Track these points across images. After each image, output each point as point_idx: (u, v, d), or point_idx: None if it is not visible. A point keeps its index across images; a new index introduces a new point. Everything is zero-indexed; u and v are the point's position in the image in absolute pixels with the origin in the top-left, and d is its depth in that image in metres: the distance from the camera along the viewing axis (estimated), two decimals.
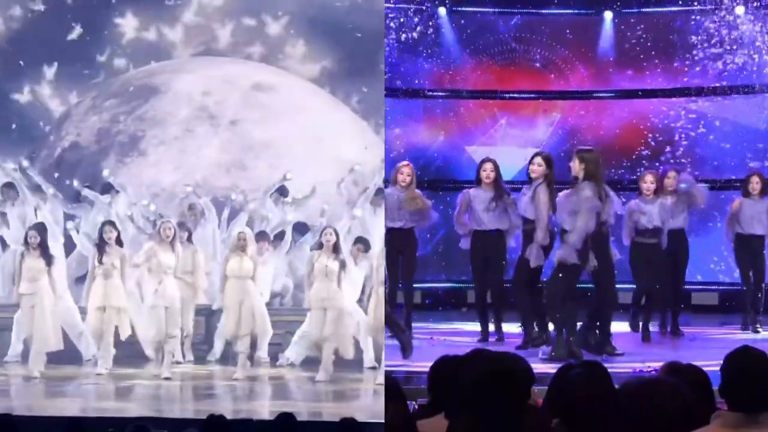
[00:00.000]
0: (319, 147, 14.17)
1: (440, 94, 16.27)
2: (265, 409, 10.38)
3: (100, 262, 11.65)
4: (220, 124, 14.20)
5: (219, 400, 10.88)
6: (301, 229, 13.01)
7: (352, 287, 11.65)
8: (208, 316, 12.43)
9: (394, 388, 5.08)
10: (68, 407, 10.71)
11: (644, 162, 15.34)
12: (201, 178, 13.61)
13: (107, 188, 13.14)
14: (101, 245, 11.72)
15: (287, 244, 12.83)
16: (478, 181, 12.21)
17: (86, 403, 10.88)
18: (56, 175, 13.74)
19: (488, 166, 12.13)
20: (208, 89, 14.47)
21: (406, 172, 12.43)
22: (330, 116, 14.61)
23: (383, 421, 4.94)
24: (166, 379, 11.27)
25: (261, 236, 12.48)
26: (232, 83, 14.58)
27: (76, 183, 13.32)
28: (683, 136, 15.59)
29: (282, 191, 13.27)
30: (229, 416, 8.83)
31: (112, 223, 11.95)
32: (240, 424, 9.14)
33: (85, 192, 13.12)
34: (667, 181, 12.64)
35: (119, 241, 11.81)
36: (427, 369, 5.44)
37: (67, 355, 11.83)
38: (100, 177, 13.52)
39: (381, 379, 10.52)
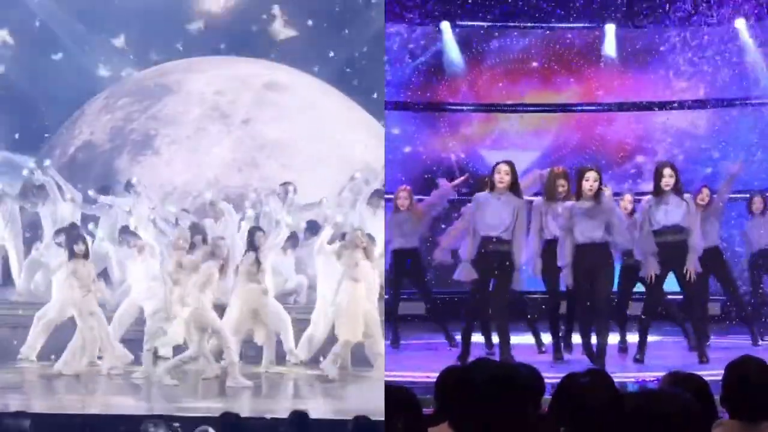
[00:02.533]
0: (331, 146, 14.23)
1: (444, 106, 16.30)
2: (279, 406, 10.42)
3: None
4: (233, 123, 14.27)
5: (233, 398, 10.92)
6: (312, 227, 12.88)
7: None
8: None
9: (409, 398, 5.08)
10: (82, 404, 10.76)
11: (640, 173, 15.57)
12: (213, 177, 13.67)
13: (126, 187, 13.07)
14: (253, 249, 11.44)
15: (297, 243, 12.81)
16: (491, 186, 11.06)
17: (100, 400, 10.93)
18: (69, 173, 13.82)
19: (503, 168, 10.96)
20: (220, 88, 14.55)
21: (403, 196, 12.63)
22: (342, 115, 14.68)
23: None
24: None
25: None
26: (244, 82, 14.65)
27: (91, 192, 13.11)
28: (681, 146, 15.75)
29: (287, 189, 12.96)
30: (243, 414, 8.92)
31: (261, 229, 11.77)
32: (254, 422, 9.19)
33: (102, 199, 12.97)
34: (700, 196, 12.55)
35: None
36: (428, 379, 5.46)
37: None
38: (114, 175, 13.59)
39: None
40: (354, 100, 14.87)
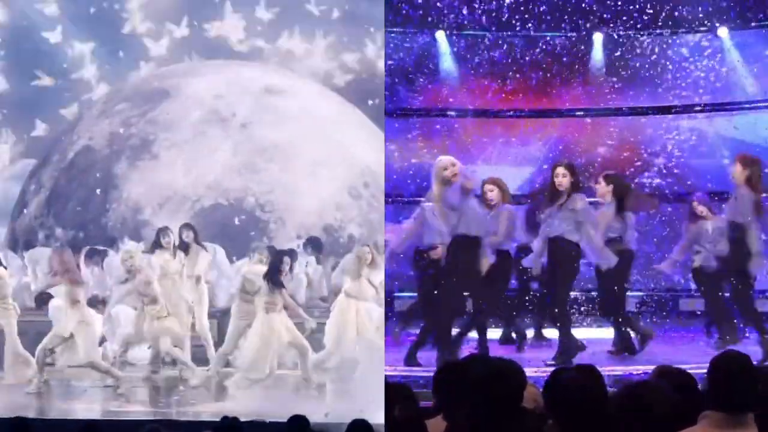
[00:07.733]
0: (331, 149, 14.21)
1: (439, 113, 16.53)
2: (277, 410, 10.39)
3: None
4: (232, 127, 14.24)
5: (233, 402, 10.90)
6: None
7: None
8: (219, 318, 12.45)
9: (405, 389, 5.29)
10: (82, 410, 10.74)
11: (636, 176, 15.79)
12: (213, 181, 13.65)
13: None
14: (274, 278, 11.13)
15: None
16: (551, 194, 11.34)
17: (100, 406, 10.92)
18: (68, 179, 13.82)
19: (560, 170, 11.24)
20: (219, 92, 14.52)
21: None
22: (341, 119, 14.66)
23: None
24: None
25: None
26: (243, 86, 14.63)
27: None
28: (670, 151, 15.99)
29: (316, 246, 13.05)
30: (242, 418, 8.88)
31: (290, 252, 11.55)
32: (253, 426, 9.17)
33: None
34: None
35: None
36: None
37: None
38: (112, 180, 13.57)
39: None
40: (353, 102, 14.85)
